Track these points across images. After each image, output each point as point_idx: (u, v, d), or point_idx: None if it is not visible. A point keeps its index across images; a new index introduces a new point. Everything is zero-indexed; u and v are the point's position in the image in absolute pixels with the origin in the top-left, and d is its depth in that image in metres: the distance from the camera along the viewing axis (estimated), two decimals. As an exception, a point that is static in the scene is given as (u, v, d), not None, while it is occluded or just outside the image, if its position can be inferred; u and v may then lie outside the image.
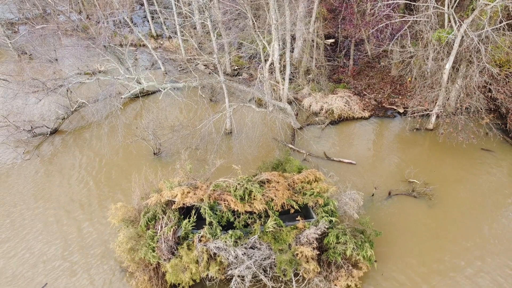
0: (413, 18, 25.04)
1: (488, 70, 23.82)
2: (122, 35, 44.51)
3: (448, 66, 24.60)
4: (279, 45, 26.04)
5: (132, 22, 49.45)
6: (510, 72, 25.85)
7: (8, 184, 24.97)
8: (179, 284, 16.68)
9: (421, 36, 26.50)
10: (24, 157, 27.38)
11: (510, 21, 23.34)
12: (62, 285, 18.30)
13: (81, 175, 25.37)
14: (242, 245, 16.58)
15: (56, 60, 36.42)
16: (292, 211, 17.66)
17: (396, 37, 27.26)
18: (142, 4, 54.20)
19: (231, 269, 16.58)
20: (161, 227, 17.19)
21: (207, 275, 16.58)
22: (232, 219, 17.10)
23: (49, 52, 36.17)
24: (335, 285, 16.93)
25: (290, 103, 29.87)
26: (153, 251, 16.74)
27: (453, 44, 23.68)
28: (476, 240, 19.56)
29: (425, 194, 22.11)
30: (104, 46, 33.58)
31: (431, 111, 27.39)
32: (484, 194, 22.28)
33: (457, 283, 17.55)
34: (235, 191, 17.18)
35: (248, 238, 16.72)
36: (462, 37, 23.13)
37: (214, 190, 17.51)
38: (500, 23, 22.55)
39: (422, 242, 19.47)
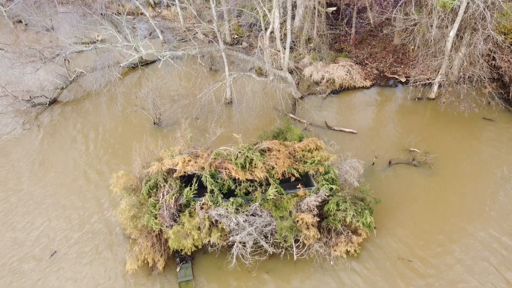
0: (418, -17, 24.38)
1: (493, 38, 23.38)
2: (119, 2, 43.46)
3: (452, 33, 24.15)
4: (280, 12, 25.48)
5: (129, -11, 48.12)
6: (515, 40, 25.41)
7: (9, 154, 24.99)
8: (181, 250, 16.97)
9: (425, 2, 25.86)
10: (24, 127, 27.27)
11: (518, -14, 22.74)
12: (70, 252, 18.61)
13: (81, 144, 25.37)
14: (243, 212, 16.75)
15: (52, 28, 35.67)
16: (292, 179, 17.73)
17: (399, 4, 26.64)
18: (139, -29, 52.60)
19: (233, 235, 16.82)
20: (163, 195, 17.30)
21: (209, 241, 16.84)
22: (233, 187, 17.21)
23: (44, 20, 35.37)
24: (335, 250, 17.25)
25: (291, 72, 29.53)
26: (155, 218, 16.92)
27: (458, 11, 23.15)
28: (476, 207, 19.76)
29: (425, 163, 22.19)
30: (101, 14, 32.81)
31: (434, 80, 27.12)
32: (484, 163, 22.36)
33: (455, 250, 17.86)
34: (236, 160, 17.21)
35: (249, 206, 16.88)
36: (468, 3, 22.58)
37: (215, 158, 17.53)
38: (507, -12, 21.97)
39: (421, 210, 19.70)
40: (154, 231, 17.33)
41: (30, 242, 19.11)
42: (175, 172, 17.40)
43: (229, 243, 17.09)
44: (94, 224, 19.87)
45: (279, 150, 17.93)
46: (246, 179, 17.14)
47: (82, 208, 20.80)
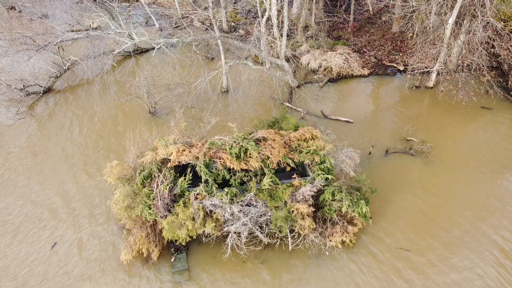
0: (417, -31, 23.91)
1: (492, 25, 23.02)
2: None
3: (451, 20, 23.76)
4: (277, -2, 25.03)
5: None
6: (515, 27, 25.04)
7: (2, 144, 24.72)
8: (176, 240, 16.88)
9: (425, -12, 25.43)
10: (18, 117, 26.95)
11: (518, -28, 22.31)
12: (69, 243, 18.52)
13: (76, 133, 25.10)
14: (238, 202, 16.60)
15: (46, 15, 35.09)
16: (288, 169, 17.59)
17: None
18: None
19: (228, 225, 16.70)
20: (157, 185, 17.14)
21: (203, 231, 16.72)
22: (228, 177, 17.03)
23: (37, 5, 34.76)
24: (330, 241, 17.16)
25: (288, 60, 29.16)
26: (150, 208, 16.78)
27: (458, -3, 22.76)
28: (473, 197, 19.63)
29: (422, 152, 22.03)
30: (95, 0, 32.24)
31: (432, 68, 26.80)
32: (482, 152, 22.19)
33: (451, 239, 17.80)
34: (230, 149, 16.99)
35: (244, 196, 16.72)
36: (467, -11, 22.18)
37: (209, 148, 17.33)
38: (507, -26, 21.55)
39: (418, 200, 19.58)
40: (148, 221, 17.22)
41: (31, 233, 18.99)
42: (170, 161, 17.21)
43: (224, 233, 16.98)
44: (89, 214, 19.73)
45: (274, 140, 17.72)
46: (241, 169, 16.96)
47: (76, 197, 20.64)
